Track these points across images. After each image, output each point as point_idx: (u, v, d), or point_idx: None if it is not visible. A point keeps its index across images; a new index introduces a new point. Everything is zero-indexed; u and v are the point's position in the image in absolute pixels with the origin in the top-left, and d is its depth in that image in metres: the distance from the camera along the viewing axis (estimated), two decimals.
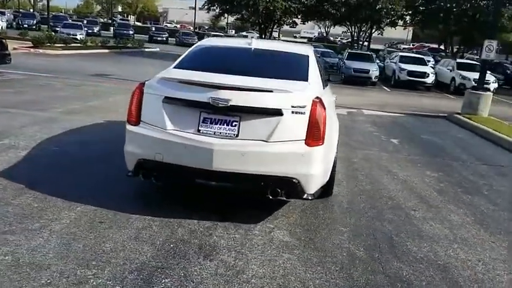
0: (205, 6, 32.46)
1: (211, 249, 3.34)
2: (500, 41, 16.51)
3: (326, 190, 4.30)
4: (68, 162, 5.04)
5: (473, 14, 29.23)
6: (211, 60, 4.54)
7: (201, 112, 3.62)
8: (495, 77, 20.16)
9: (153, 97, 3.74)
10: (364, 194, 4.95)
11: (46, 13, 36.83)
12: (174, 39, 43.71)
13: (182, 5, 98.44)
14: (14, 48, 17.62)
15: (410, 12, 34.37)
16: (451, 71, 20.47)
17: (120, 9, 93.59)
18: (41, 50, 19.73)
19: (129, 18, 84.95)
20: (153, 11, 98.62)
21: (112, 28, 46.08)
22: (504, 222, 4.56)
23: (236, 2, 28.46)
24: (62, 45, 22.16)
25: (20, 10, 55.62)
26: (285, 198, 3.81)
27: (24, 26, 34.66)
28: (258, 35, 35.19)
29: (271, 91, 3.61)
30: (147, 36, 42.07)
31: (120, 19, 66.47)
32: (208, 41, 5.30)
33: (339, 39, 64.11)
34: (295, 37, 67.59)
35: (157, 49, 31.74)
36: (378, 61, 23.79)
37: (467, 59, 28.21)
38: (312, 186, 3.70)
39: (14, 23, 37.48)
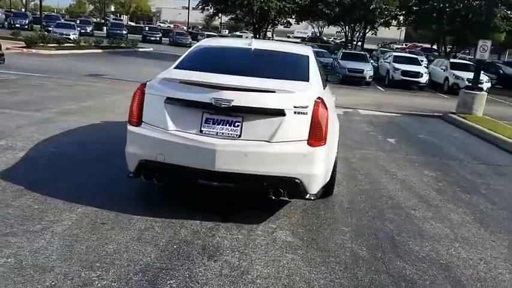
0: (200, 6, 32.34)
1: (215, 250, 3.33)
2: (493, 40, 16.61)
3: (327, 190, 4.32)
4: (67, 163, 5.01)
5: (466, 14, 29.46)
6: (212, 61, 4.53)
7: (203, 113, 3.61)
8: (488, 76, 20.30)
9: (154, 98, 3.72)
10: (364, 194, 4.97)
11: (38, 13, 36.56)
12: (168, 39, 43.62)
13: (175, 4, 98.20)
14: (7, 48, 17.43)
15: (403, 12, 34.54)
16: (444, 70, 20.57)
17: (113, 8, 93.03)
18: (34, 50, 19.55)
19: (122, 18, 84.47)
20: (146, 11, 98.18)
21: (105, 28, 45.80)
22: (503, 221, 4.60)
23: (230, 1, 28.39)
24: (55, 45, 21.98)
25: (12, 10, 55.15)
26: (287, 199, 3.82)
27: (16, 25, 34.27)
28: (252, 34, 35.16)
29: (273, 91, 3.60)
30: (141, 36, 41.85)
31: (113, 19, 66.03)
32: (208, 42, 5.28)
33: (332, 39, 64.22)
34: (288, 37, 67.64)
35: (151, 49, 31.59)
36: (371, 61, 23.87)
37: (459, 58, 28.39)
38: (315, 186, 3.71)
39: (6, 23, 37.11)
